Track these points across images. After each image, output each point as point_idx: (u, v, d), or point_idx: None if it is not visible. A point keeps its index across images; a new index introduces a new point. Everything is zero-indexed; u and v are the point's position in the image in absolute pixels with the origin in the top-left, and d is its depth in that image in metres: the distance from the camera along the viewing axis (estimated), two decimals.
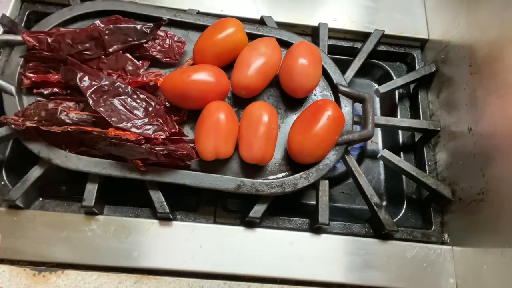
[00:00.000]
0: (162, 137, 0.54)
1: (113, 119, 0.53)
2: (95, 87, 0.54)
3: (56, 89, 0.58)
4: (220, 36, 0.60)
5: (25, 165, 0.58)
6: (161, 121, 0.56)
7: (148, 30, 0.61)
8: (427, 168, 0.69)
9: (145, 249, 0.57)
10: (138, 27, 0.61)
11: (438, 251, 0.61)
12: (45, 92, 0.58)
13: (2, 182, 0.62)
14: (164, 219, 0.59)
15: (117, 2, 0.65)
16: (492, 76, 0.57)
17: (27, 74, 0.58)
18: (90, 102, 0.53)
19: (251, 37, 0.64)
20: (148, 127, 0.54)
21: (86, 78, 0.55)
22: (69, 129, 0.53)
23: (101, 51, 0.60)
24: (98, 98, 0.54)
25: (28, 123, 0.53)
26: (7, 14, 0.66)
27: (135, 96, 0.56)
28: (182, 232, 0.58)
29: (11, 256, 0.55)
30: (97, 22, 0.62)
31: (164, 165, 0.56)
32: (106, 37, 0.60)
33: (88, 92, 0.53)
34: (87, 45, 0.59)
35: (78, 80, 0.54)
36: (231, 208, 0.64)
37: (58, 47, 0.58)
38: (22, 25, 0.70)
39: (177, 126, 0.57)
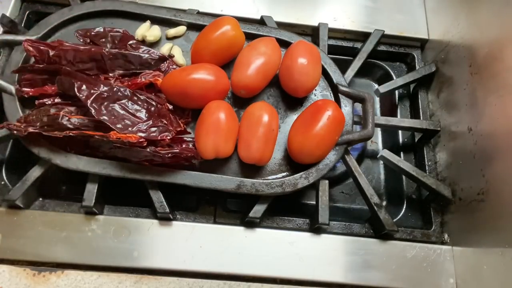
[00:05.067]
0: (168, 137, 0.54)
1: (118, 126, 0.53)
2: (94, 95, 0.54)
3: (56, 99, 0.57)
4: (216, 35, 0.60)
5: (25, 165, 0.58)
6: (165, 121, 0.56)
7: (153, 62, 0.60)
8: (427, 168, 0.69)
9: (145, 249, 0.57)
10: (144, 56, 0.60)
11: (438, 251, 0.61)
12: (47, 102, 0.57)
13: (2, 182, 0.62)
14: (164, 219, 0.59)
15: (117, 2, 0.65)
16: (492, 76, 0.57)
17: (23, 89, 0.57)
18: (92, 111, 0.52)
19: (251, 37, 0.64)
20: (153, 129, 0.54)
21: (84, 87, 0.54)
22: (71, 134, 0.53)
23: (101, 73, 0.59)
24: (99, 106, 0.53)
25: (30, 129, 0.53)
26: (7, 14, 0.66)
27: (136, 98, 0.56)
28: (182, 232, 0.58)
29: (11, 256, 0.55)
30: (108, 46, 0.61)
31: (170, 165, 0.56)
32: (109, 61, 0.59)
33: (89, 102, 0.53)
34: (88, 65, 0.58)
35: (76, 91, 0.53)
36: (231, 208, 0.64)
37: (58, 62, 0.58)
38: (22, 25, 0.70)
39: (181, 124, 0.57)
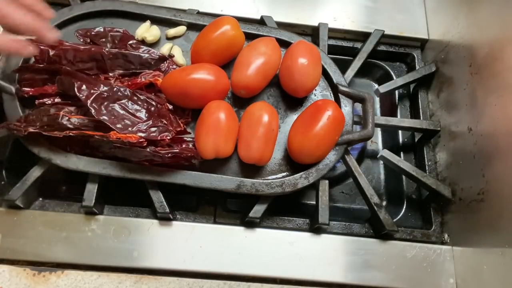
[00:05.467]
0: (168, 137, 0.54)
1: (118, 126, 0.53)
2: (94, 95, 0.53)
3: (56, 99, 0.57)
4: (215, 34, 0.60)
5: (25, 165, 0.58)
6: (165, 121, 0.56)
7: (153, 62, 0.60)
8: (427, 168, 0.69)
9: (145, 249, 0.57)
10: (144, 56, 0.60)
11: (438, 251, 0.61)
12: (47, 102, 0.57)
13: (2, 182, 0.62)
14: (164, 219, 0.59)
15: (117, 2, 0.65)
16: (492, 76, 0.57)
17: (23, 89, 0.57)
18: (93, 111, 0.52)
19: (251, 37, 0.64)
20: (153, 129, 0.54)
21: (84, 87, 0.53)
22: (71, 134, 0.53)
23: (101, 73, 0.59)
24: (99, 106, 0.53)
25: (30, 129, 0.53)
26: None
27: (136, 98, 0.56)
28: (182, 232, 0.58)
29: (11, 256, 0.55)
30: (108, 46, 0.61)
31: (170, 165, 0.56)
32: (108, 60, 0.58)
33: (89, 102, 0.53)
34: (89, 65, 0.58)
35: (76, 91, 0.53)
36: (231, 208, 0.64)
37: (58, 61, 0.57)
38: None
39: (181, 124, 0.57)
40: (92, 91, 0.54)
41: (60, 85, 0.55)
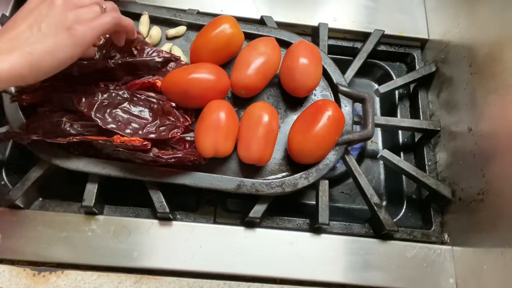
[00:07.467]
0: (178, 134, 0.54)
1: (127, 131, 0.52)
2: (95, 105, 0.53)
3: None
4: (214, 33, 0.60)
5: (25, 165, 0.58)
6: (172, 118, 0.55)
7: (160, 65, 0.59)
8: (427, 168, 0.69)
9: (145, 249, 0.57)
10: (151, 62, 0.59)
11: (438, 251, 0.61)
12: (47, 109, 0.56)
13: (2, 182, 0.62)
14: (164, 219, 0.59)
15: (117, 2, 0.65)
16: (492, 76, 0.57)
17: (23, 97, 0.55)
18: (99, 122, 0.52)
19: (251, 37, 0.64)
20: (162, 128, 0.54)
21: (83, 99, 0.53)
22: (74, 140, 0.53)
23: (110, 83, 0.57)
24: (103, 115, 0.52)
25: (33, 137, 0.53)
26: (7, 14, 0.66)
27: (136, 99, 0.56)
28: (182, 232, 0.58)
29: (11, 256, 0.55)
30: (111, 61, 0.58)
31: (173, 166, 0.56)
32: (116, 72, 0.57)
33: (92, 114, 0.52)
34: (96, 77, 0.56)
35: (76, 105, 0.52)
36: (231, 208, 0.64)
37: (63, 79, 0.54)
38: None
39: (188, 118, 0.57)
40: (92, 101, 0.53)
41: (57, 101, 0.54)
